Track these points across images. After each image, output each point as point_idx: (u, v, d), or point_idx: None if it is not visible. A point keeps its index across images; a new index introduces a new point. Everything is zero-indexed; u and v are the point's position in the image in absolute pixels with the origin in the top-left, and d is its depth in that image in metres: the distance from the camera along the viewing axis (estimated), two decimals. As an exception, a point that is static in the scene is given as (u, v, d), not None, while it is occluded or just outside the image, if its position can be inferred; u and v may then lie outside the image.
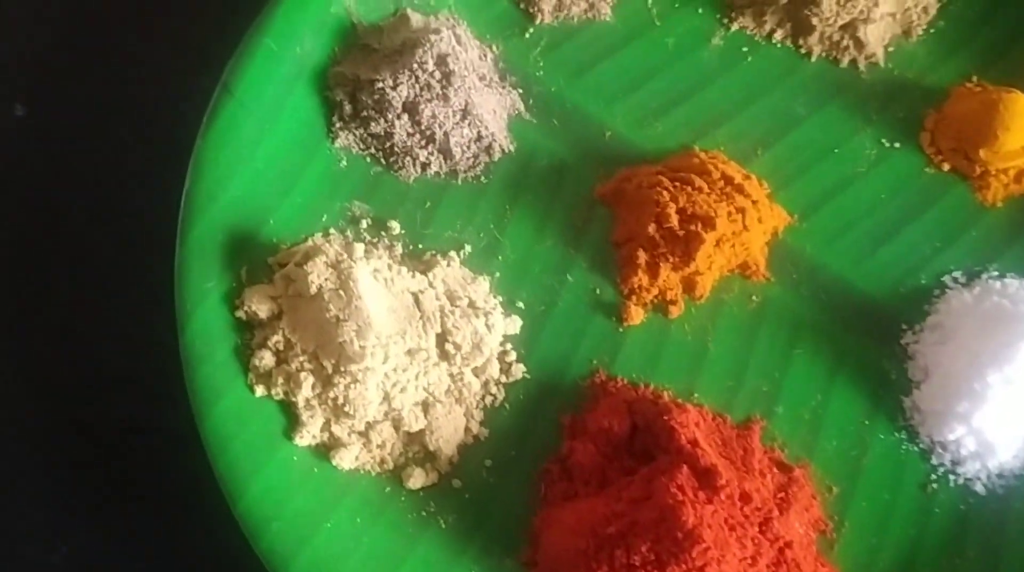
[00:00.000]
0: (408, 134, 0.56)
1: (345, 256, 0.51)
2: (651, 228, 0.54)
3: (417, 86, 0.56)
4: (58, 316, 0.57)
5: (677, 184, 0.54)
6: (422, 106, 0.55)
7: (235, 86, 0.55)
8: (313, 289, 0.50)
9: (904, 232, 0.57)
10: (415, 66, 0.55)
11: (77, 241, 0.58)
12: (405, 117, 0.56)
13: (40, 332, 0.56)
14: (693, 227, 0.53)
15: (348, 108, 0.57)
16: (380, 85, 0.55)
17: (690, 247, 0.53)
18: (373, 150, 0.57)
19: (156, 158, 0.57)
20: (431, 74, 0.55)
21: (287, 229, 0.54)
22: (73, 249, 0.58)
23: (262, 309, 0.51)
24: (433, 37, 0.56)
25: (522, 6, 0.61)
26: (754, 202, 0.54)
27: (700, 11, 0.62)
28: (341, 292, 0.50)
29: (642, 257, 0.54)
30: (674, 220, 0.53)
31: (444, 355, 0.51)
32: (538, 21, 0.61)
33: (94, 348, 0.56)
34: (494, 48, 0.60)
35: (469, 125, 0.56)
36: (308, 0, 0.57)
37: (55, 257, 0.58)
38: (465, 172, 0.57)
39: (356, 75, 0.57)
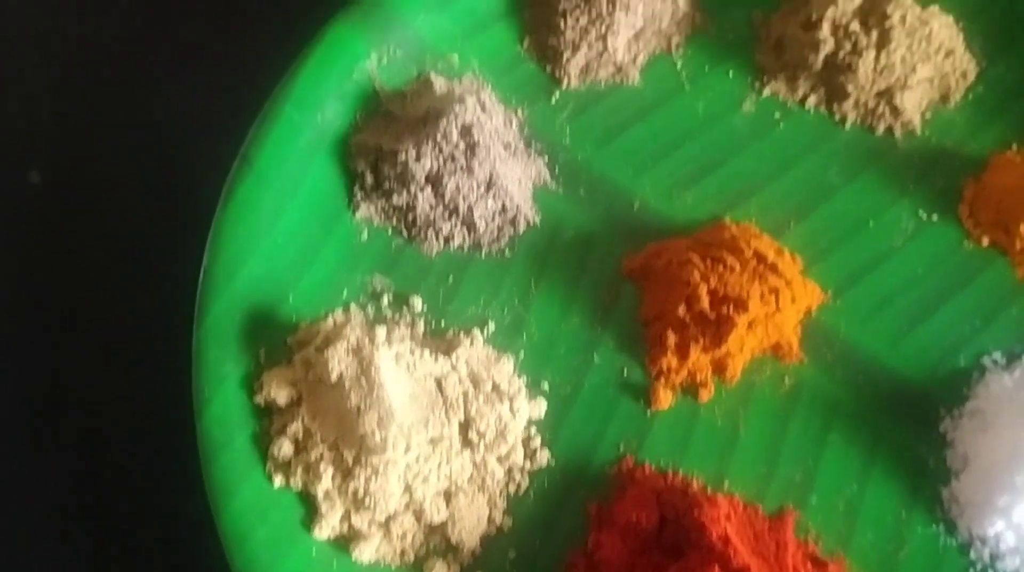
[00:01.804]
0: (431, 206, 0.55)
1: (367, 341, 0.49)
2: (681, 309, 0.52)
3: (441, 158, 0.54)
4: (70, 396, 0.55)
5: (708, 262, 0.53)
6: (446, 178, 0.54)
7: (255, 158, 0.53)
8: (334, 376, 0.48)
9: (942, 310, 0.55)
10: (439, 137, 0.54)
11: (90, 319, 0.56)
12: (428, 189, 0.54)
13: (51, 411, 0.55)
14: (725, 309, 0.51)
15: (370, 179, 0.55)
16: (403, 157, 0.54)
17: (721, 330, 0.51)
18: (395, 222, 0.56)
19: (173, 229, 0.56)
20: (455, 146, 0.54)
21: (306, 306, 0.53)
22: (86, 327, 0.56)
23: (281, 395, 0.49)
24: (458, 107, 0.54)
25: (548, 69, 0.59)
26: (788, 282, 0.53)
27: (731, 75, 0.60)
28: (362, 380, 0.48)
29: (671, 338, 0.52)
30: (705, 302, 0.52)
31: (467, 443, 0.50)
32: (564, 85, 0.59)
33: (106, 431, 0.54)
34: (519, 113, 0.58)
35: (494, 197, 0.55)
36: (330, 66, 0.56)
37: (67, 336, 0.56)
38: (489, 245, 0.56)
39: (378, 144, 0.55)
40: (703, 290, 0.52)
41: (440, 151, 0.54)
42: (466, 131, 0.54)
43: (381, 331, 0.50)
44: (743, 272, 0.52)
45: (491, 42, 0.59)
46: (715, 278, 0.52)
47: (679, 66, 0.60)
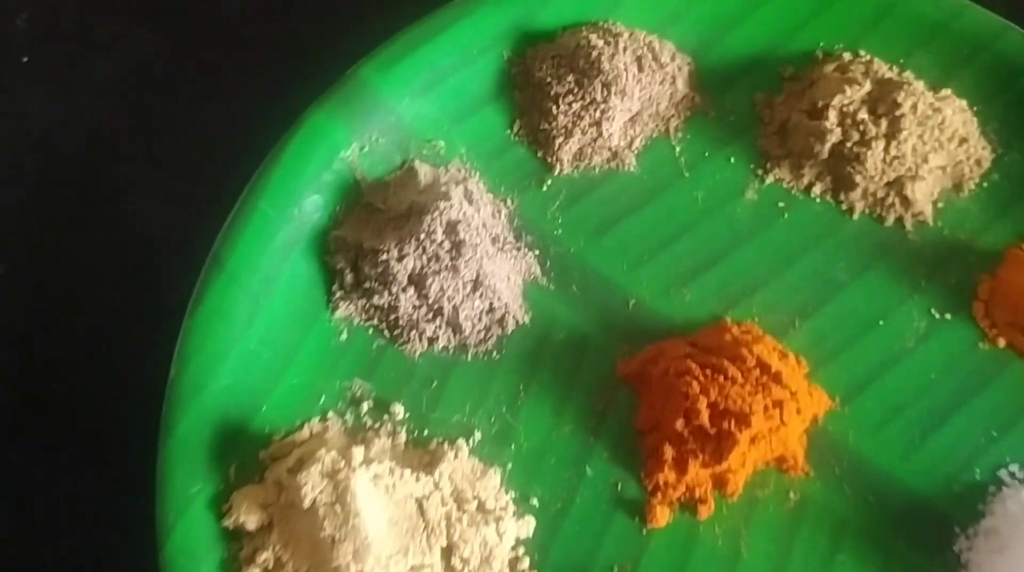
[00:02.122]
0: (414, 307, 0.52)
1: (342, 464, 0.46)
2: (679, 424, 0.49)
3: (424, 257, 0.51)
4: (26, 510, 0.52)
5: (708, 372, 0.50)
6: (429, 279, 0.51)
7: (227, 259, 0.50)
8: (307, 503, 0.45)
9: (956, 418, 0.52)
10: (422, 236, 0.51)
11: (49, 422, 0.53)
12: (411, 290, 0.51)
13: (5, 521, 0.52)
14: (726, 424, 0.48)
15: (349, 277, 0.52)
16: (384, 256, 0.51)
17: (722, 446, 0.48)
18: (376, 321, 0.52)
19: (139, 333, 0.53)
20: (440, 244, 0.51)
21: (281, 416, 0.50)
22: (44, 433, 0.53)
23: (251, 519, 0.46)
24: (442, 204, 0.51)
25: (539, 155, 0.56)
26: (793, 393, 0.50)
27: (732, 161, 0.57)
28: (337, 507, 0.45)
29: (668, 453, 0.49)
30: (704, 416, 0.48)
31: (450, 570, 0.47)
32: (557, 172, 0.56)
33: (67, 552, 0.51)
34: (509, 203, 0.55)
35: (480, 296, 0.52)
36: (308, 157, 0.53)
37: (18, 444, 0.53)
38: (476, 347, 0.52)
39: (359, 241, 0.52)
40: (703, 404, 0.49)
41: (423, 250, 0.51)
42: (451, 229, 0.51)
43: (358, 452, 0.47)
44: (745, 383, 0.49)
45: (479, 127, 0.56)
46: (715, 390, 0.49)
47: (678, 151, 0.57)
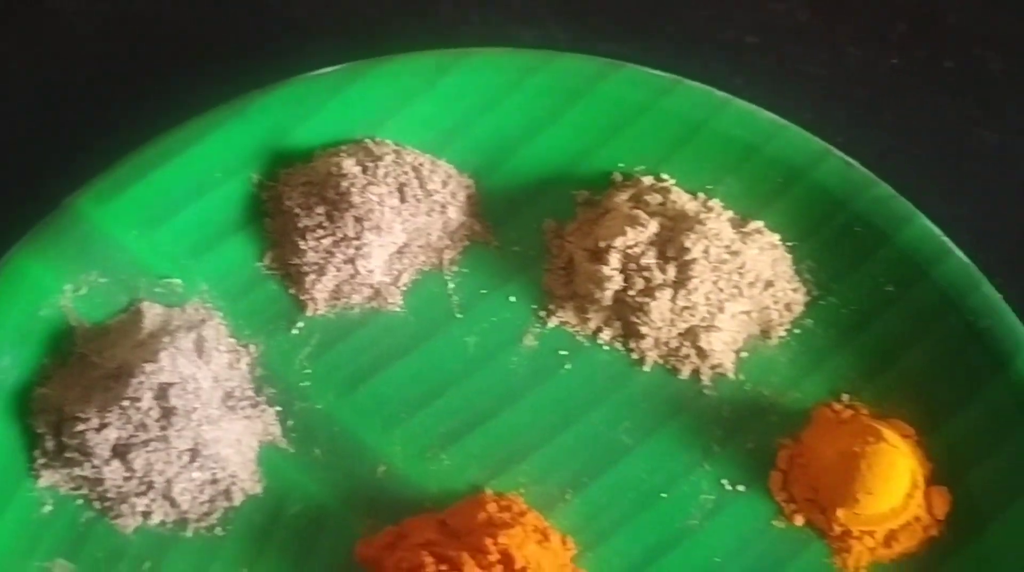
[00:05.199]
0: (123, 479, 0.45)
1: None
2: (405, 632, 0.43)
3: (130, 426, 0.45)
4: None
5: (444, 569, 0.43)
6: (133, 452, 0.45)
7: None
8: None
9: (743, 610, 0.46)
10: (126, 403, 0.44)
11: None
12: (116, 462, 0.45)
13: None
14: (452, 636, 0.42)
15: (51, 444, 0.46)
16: (82, 426, 0.45)
17: (448, 661, 0.42)
18: (86, 491, 0.46)
19: None
20: (147, 413, 0.44)
21: (-45, 614, 0.44)
22: None
23: None
24: (149, 366, 0.45)
25: (292, 291, 0.50)
26: (541, 592, 0.43)
27: (513, 299, 0.50)
28: None
29: (398, 659, 0.43)
30: (430, 626, 0.42)
31: None
32: (310, 312, 0.49)
33: None
34: (252, 349, 0.49)
35: (200, 468, 0.45)
36: (7, 308, 0.46)
37: None
38: (197, 521, 0.46)
39: (61, 404, 0.46)
40: (432, 610, 0.42)
41: (128, 419, 0.44)
42: (162, 394, 0.45)
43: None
44: (481, 584, 0.43)
45: (223, 260, 0.50)
46: (446, 593, 0.42)
47: (451, 287, 0.50)
